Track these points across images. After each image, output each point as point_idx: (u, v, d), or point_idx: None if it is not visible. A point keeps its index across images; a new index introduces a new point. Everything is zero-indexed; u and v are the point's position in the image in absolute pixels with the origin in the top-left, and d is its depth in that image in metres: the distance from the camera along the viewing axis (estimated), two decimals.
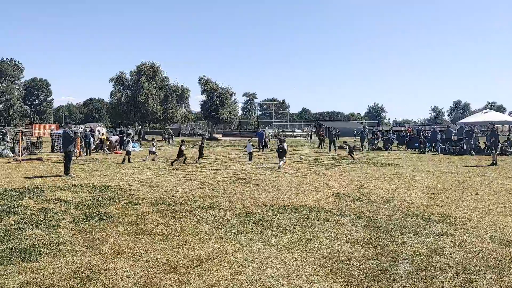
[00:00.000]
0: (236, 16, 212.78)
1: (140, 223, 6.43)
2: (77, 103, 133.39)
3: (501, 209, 7.48)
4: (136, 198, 8.70)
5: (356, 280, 4.02)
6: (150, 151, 19.00)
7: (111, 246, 5.19)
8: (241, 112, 73.67)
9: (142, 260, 4.67)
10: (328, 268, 4.38)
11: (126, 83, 46.89)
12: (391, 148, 26.85)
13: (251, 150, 18.78)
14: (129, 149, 17.49)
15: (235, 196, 8.85)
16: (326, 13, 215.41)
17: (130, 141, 18.41)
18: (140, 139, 30.34)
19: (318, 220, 6.60)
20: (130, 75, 46.74)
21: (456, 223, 6.39)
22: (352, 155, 19.36)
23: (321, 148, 28.21)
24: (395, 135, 31.12)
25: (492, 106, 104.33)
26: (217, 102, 45.32)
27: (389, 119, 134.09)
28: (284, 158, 15.91)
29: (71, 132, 13.15)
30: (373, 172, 13.67)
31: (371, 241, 5.40)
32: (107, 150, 23.29)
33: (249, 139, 21.90)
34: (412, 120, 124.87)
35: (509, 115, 68.80)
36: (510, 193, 9.26)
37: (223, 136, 52.38)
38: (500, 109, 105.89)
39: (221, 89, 46.27)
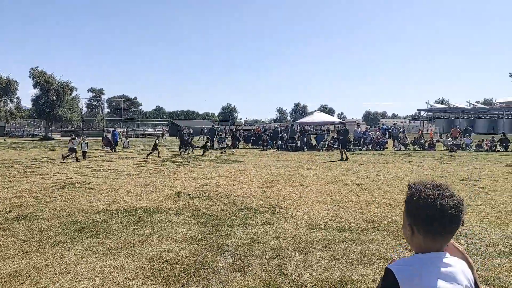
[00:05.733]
0: (80, 4, 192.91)
1: None
2: None
3: (318, 197, 8.59)
4: None
5: (176, 279, 3.99)
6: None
7: None
8: (85, 109, 67.06)
9: None
10: (150, 270, 4.24)
11: None
12: (238, 146, 28.37)
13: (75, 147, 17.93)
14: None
15: (61, 203, 7.88)
16: (184, 11, 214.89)
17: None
18: None
19: (152, 222, 6.39)
20: None
21: (280, 213, 7.04)
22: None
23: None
24: (243, 134, 33.10)
25: (324, 108, 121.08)
26: (54, 97, 40.05)
27: (240, 119, 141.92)
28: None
29: None
30: (218, 169, 14.12)
31: (200, 237, 5.48)
32: None
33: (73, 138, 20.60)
34: (261, 120, 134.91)
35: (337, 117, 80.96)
36: (328, 183, 10.74)
37: (61, 136, 46.67)
38: (330, 111, 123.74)
39: (58, 82, 41.02)
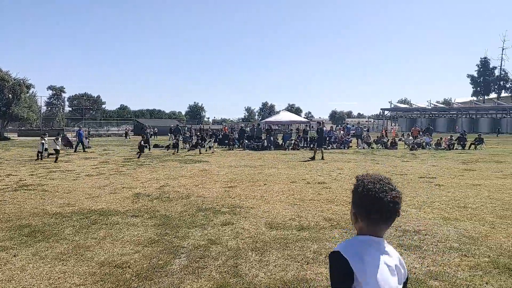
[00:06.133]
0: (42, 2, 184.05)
1: None
2: None
3: (280, 196, 8.61)
4: None
5: (127, 283, 3.86)
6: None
7: None
8: (44, 108, 64.22)
9: None
10: (100, 275, 4.08)
11: None
12: (204, 146, 28.07)
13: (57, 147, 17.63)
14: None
15: (11, 207, 7.47)
16: (144, 8, 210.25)
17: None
18: None
19: (106, 224, 6.17)
20: None
21: (240, 213, 6.99)
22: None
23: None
24: (210, 133, 32.80)
25: (292, 108, 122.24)
26: (10, 95, 37.99)
27: (208, 118, 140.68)
28: None
29: None
30: (181, 169, 13.89)
31: (157, 239, 5.35)
32: None
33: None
34: (229, 119, 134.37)
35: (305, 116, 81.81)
36: (291, 182, 10.79)
37: (18, 136, 44.45)
38: (298, 110, 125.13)
39: (14, 80, 38.95)
